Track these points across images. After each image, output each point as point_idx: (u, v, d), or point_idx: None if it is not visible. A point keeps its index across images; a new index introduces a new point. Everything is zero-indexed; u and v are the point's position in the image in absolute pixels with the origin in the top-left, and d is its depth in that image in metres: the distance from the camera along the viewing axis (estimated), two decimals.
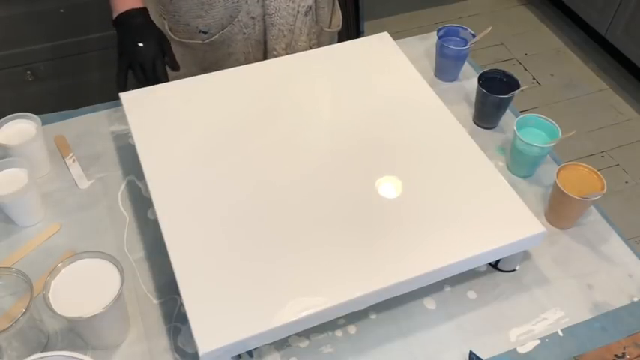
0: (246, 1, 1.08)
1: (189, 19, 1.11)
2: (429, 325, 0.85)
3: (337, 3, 1.30)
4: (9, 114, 0.97)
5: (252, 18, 1.11)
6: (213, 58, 1.17)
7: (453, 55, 1.16)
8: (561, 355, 0.83)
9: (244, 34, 1.13)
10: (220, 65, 1.16)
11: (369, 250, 0.81)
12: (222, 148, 0.93)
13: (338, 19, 1.30)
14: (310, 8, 1.15)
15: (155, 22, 1.14)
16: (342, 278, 0.78)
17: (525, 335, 0.84)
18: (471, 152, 0.94)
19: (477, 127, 1.12)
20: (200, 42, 1.14)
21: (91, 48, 1.69)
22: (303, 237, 0.82)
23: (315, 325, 0.78)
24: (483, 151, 0.94)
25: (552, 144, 0.99)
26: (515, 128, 0.99)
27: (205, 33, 1.12)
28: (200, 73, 1.06)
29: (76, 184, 0.99)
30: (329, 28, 1.26)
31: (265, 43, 1.16)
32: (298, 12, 1.13)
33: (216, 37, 1.12)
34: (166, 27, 1.14)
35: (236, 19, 1.10)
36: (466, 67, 1.21)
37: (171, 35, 1.15)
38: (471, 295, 0.88)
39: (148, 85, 1.00)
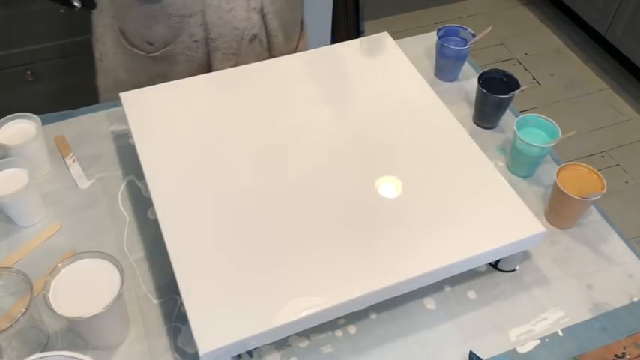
0: (189, 23, 1.07)
1: (137, 28, 1.10)
2: (429, 325, 0.85)
3: (304, 28, 1.28)
4: (9, 114, 0.97)
5: (195, 41, 1.10)
6: (159, 70, 1.15)
7: (452, 55, 1.16)
8: (561, 355, 0.83)
9: (187, 55, 1.12)
10: (168, 77, 1.14)
11: (369, 250, 0.81)
12: (222, 148, 0.93)
13: (305, 44, 1.28)
14: (256, 36, 1.13)
15: (107, 23, 1.13)
16: (342, 278, 0.78)
17: (525, 335, 0.84)
18: (471, 152, 0.94)
19: (477, 127, 1.12)
20: (144, 53, 1.13)
21: (91, 48, 1.68)
22: (304, 237, 0.82)
23: (315, 325, 0.78)
24: (483, 151, 0.94)
25: (552, 144, 0.99)
26: (515, 128, 0.99)
27: (151, 45, 1.11)
28: (148, 81, 1.05)
29: (76, 184, 0.99)
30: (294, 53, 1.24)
31: (210, 66, 1.14)
32: (243, 38, 1.12)
33: (159, 52, 1.11)
34: (117, 30, 1.13)
35: (179, 40, 1.09)
36: (466, 67, 1.21)
37: (121, 40, 1.13)
38: (471, 295, 0.88)
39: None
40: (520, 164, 1.02)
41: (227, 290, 0.77)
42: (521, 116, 1.01)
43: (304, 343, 0.83)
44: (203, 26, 1.08)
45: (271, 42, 1.18)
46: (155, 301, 0.86)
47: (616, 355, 0.83)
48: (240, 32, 1.11)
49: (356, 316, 0.85)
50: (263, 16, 1.13)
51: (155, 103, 1.00)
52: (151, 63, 1.14)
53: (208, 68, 1.15)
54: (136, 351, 0.81)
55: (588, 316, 0.87)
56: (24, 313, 0.73)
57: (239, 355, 0.81)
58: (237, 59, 1.15)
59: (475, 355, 0.81)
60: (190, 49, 1.11)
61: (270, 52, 1.20)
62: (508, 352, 0.82)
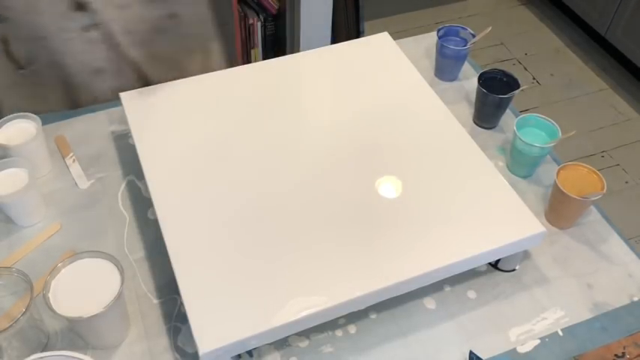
0: (40, 46, 1.04)
1: (13, 45, 1.06)
2: (429, 325, 0.85)
3: (214, 49, 1.23)
4: (9, 114, 0.97)
5: (51, 65, 1.07)
6: (33, 88, 1.12)
7: (452, 55, 1.16)
8: (561, 355, 0.83)
9: (50, 77, 1.08)
10: (42, 97, 1.12)
11: (369, 250, 0.81)
12: (222, 148, 0.93)
13: (215, 63, 1.24)
14: (101, 70, 1.10)
15: None
16: (342, 278, 0.78)
17: (525, 335, 0.84)
18: (471, 152, 0.94)
19: (477, 127, 1.12)
20: (16, 69, 1.10)
21: None
22: (304, 237, 0.82)
23: (315, 325, 0.78)
24: (483, 151, 0.94)
25: (552, 144, 0.99)
26: (515, 128, 0.99)
27: (20, 63, 1.08)
28: (30, 97, 1.04)
29: (76, 184, 0.99)
30: None
31: (73, 90, 1.12)
32: (84, 70, 1.09)
33: (26, 71, 1.08)
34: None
35: (38, 61, 1.06)
36: (466, 67, 1.21)
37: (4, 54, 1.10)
38: (471, 295, 0.88)
39: None
40: (520, 164, 1.02)
41: (227, 290, 0.77)
42: (521, 116, 1.01)
43: (304, 343, 0.83)
44: (52, 51, 1.05)
45: (143, 72, 1.14)
46: (155, 301, 0.86)
47: (616, 355, 0.83)
48: (84, 64, 1.08)
49: (356, 316, 0.85)
50: (115, 47, 1.09)
51: (155, 103, 1.00)
52: (24, 80, 1.11)
53: (72, 93, 1.12)
54: (136, 351, 0.81)
55: (588, 316, 0.87)
56: (24, 313, 0.73)
57: (239, 355, 0.81)
58: (93, 86, 1.12)
59: (475, 355, 0.81)
60: (50, 71, 1.09)
61: (147, 81, 1.16)
62: (508, 352, 0.82)
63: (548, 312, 0.87)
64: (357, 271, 0.79)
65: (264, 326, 0.73)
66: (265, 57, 2.09)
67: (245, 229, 0.83)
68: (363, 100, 1.02)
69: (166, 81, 1.04)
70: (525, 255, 0.93)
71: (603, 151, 2.20)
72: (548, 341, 0.84)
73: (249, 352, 0.81)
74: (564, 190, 0.91)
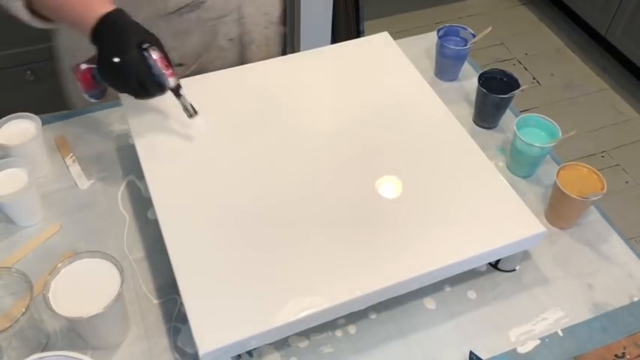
0: (225, 22, 1.04)
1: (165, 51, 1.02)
2: (429, 325, 0.85)
3: None
4: (9, 114, 0.97)
5: (230, 40, 1.07)
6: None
7: (452, 55, 1.16)
8: (561, 355, 0.83)
9: (222, 59, 1.09)
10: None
11: (369, 250, 0.81)
12: (223, 148, 0.93)
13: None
14: (282, 21, 1.12)
15: None
16: (342, 278, 0.78)
17: (525, 335, 0.84)
18: (471, 152, 0.94)
19: (477, 127, 1.12)
20: None
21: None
22: (304, 237, 0.82)
23: (315, 325, 0.78)
24: (483, 151, 0.94)
25: (552, 144, 0.99)
26: (515, 128, 0.99)
27: (181, 65, 1.08)
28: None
29: (76, 184, 0.99)
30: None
31: (242, 63, 1.12)
32: (272, 22, 1.11)
33: (193, 67, 1.08)
34: None
35: (213, 45, 1.06)
36: (466, 67, 1.21)
37: None
38: (471, 295, 0.88)
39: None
40: (520, 164, 1.02)
41: (227, 290, 0.77)
42: (521, 116, 1.01)
43: (304, 343, 0.82)
44: (238, 21, 1.06)
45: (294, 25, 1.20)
46: (155, 301, 0.86)
47: (616, 355, 0.83)
48: (269, 16, 1.11)
49: (356, 316, 0.85)
50: None
51: (155, 104, 0.99)
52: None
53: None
54: (136, 351, 0.81)
55: (588, 316, 0.87)
56: (24, 313, 0.73)
57: (239, 355, 0.81)
58: (267, 49, 1.14)
59: (475, 355, 0.81)
60: (224, 50, 1.09)
61: (293, 37, 1.21)
62: (508, 352, 0.82)
63: (548, 312, 0.87)
64: (357, 271, 0.79)
65: (264, 326, 0.73)
66: None
67: (245, 228, 0.83)
68: (363, 100, 1.02)
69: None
70: (525, 255, 0.93)
71: (603, 151, 2.20)
72: (548, 341, 0.84)
73: (249, 352, 0.81)
74: (564, 190, 0.91)
